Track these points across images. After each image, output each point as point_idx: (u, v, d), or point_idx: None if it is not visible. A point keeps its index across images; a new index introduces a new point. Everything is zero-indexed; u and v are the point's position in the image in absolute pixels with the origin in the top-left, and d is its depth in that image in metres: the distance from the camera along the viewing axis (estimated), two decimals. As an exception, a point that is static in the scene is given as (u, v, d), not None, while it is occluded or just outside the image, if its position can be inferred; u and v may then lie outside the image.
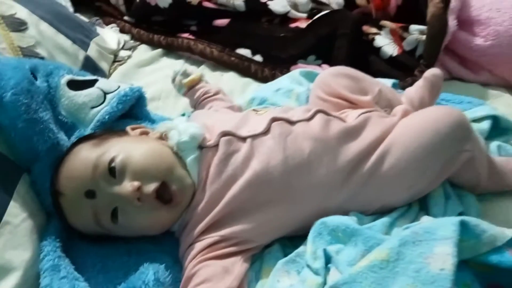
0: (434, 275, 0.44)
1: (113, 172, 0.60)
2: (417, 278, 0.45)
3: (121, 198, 0.59)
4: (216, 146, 0.63)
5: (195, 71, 0.91)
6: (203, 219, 0.61)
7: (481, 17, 0.98)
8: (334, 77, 0.76)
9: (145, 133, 0.69)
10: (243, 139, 0.63)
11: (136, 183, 0.58)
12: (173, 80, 0.90)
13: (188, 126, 0.65)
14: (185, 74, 0.90)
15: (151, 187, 0.59)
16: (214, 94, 0.87)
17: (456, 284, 0.44)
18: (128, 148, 0.62)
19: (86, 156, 0.62)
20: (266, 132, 0.64)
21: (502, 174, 0.69)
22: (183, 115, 0.86)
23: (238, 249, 0.60)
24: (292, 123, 0.65)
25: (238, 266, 0.59)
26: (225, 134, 0.64)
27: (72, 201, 0.61)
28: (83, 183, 0.60)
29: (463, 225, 0.47)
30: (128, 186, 0.58)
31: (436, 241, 0.46)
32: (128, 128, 0.69)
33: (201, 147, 0.64)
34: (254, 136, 0.63)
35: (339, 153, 0.63)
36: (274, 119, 0.65)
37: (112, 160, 0.60)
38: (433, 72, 0.80)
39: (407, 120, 0.66)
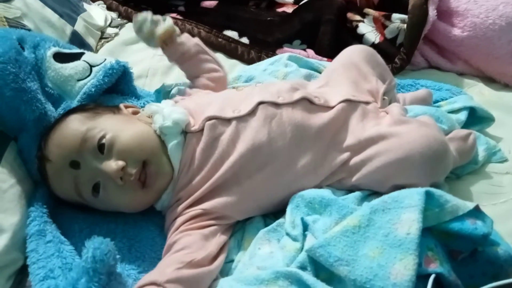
0: (401, 238, 0.48)
1: (102, 149, 0.61)
2: (385, 242, 0.48)
3: (104, 174, 0.61)
4: (201, 131, 0.64)
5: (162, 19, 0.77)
6: (188, 198, 0.63)
7: (460, 9, 1.01)
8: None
9: (136, 112, 0.70)
10: (228, 120, 0.64)
11: (121, 163, 0.60)
12: (139, 29, 0.76)
13: (172, 111, 0.65)
14: (155, 22, 0.76)
15: (134, 169, 0.61)
16: (195, 54, 0.80)
17: (421, 247, 0.48)
18: (119, 127, 0.63)
19: (77, 127, 0.63)
20: (251, 113, 0.65)
21: (467, 151, 0.73)
22: (159, 92, 0.82)
23: (218, 223, 0.62)
24: (278, 105, 0.66)
25: (217, 235, 0.61)
26: (210, 118, 0.64)
27: (57, 169, 0.63)
28: (70, 153, 0.61)
29: (429, 195, 0.51)
30: (113, 164, 0.60)
31: (403, 208, 0.49)
32: (122, 105, 0.71)
33: (185, 132, 0.64)
34: (239, 118, 0.64)
35: (316, 144, 0.65)
36: (261, 102, 0.66)
37: (103, 137, 0.62)
38: None
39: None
